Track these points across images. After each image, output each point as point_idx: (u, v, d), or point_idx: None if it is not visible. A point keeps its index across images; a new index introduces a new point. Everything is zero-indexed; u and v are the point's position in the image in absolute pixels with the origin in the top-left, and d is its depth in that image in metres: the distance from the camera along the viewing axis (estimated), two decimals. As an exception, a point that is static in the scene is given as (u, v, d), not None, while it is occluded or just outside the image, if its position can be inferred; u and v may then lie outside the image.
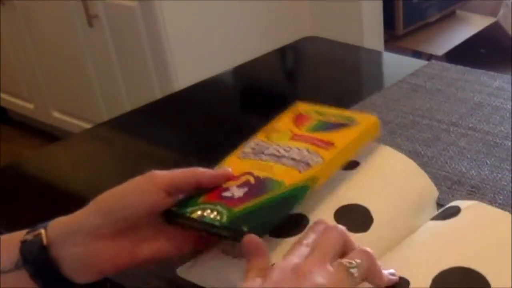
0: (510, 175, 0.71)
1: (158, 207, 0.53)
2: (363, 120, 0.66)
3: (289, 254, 0.48)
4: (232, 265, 0.55)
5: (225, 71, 1.11)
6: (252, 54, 1.12)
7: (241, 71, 1.11)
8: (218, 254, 0.57)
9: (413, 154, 0.76)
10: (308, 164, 0.59)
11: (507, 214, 0.58)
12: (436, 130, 0.82)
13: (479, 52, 2.68)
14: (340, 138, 0.62)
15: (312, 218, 0.58)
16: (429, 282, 0.50)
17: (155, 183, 0.53)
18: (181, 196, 0.56)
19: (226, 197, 0.55)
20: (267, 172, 0.58)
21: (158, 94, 1.87)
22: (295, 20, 2.15)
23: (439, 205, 0.65)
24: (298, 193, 0.56)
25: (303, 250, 0.48)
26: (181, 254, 0.57)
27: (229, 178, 0.57)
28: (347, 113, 0.68)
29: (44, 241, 0.52)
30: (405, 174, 0.64)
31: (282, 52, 1.18)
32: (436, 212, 0.62)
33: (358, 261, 0.46)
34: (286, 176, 0.57)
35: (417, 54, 2.49)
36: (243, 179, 0.57)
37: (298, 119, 0.67)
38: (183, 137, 0.91)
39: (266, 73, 1.10)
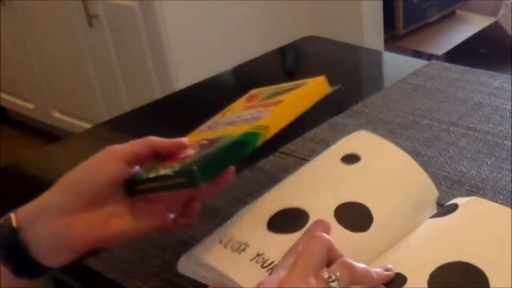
0: (510, 175, 0.71)
1: (119, 176, 0.55)
2: (311, 80, 0.68)
3: (278, 265, 0.50)
4: (229, 258, 0.55)
5: (225, 71, 1.11)
6: (252, 54, 1.12)
7: (241, 71, 1.11)
8: (215, 245, 0.57)
9: (413, 154, 0.76)
10: (258, 118, 0.60)
11: (504, 208, 0.58)
12: (436, 130, 0.82)
13: (479, 52, 2.68)
14: (288, 96, 0.65)
15: (312, 214, 0.58)
16: (426, 277, 0.50)
17: (114, 154, 0.55)
18: (140, 168, 0.57)
19: (181, 157, 0.57)
20: (221, 133, 0.60)
21: (158, 94, 1.87)
22: (295, 20, 2.15)
23: (439, 205, 0.65)
24: (249, 138, 0.57)
25: (290, 260, 0.49)
26: (150, 231, 0.58)
27: (184, 146, 0.59)
28: (297, 81, 0.69)
29: (14, 223, 0.52)
30: (406, 172, 0.65)
31: (282, 52, 1.18)
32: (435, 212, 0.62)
33: (338, 274, 0.47)
34: (238, 130, 0.59)
35: (417, 54, 2.49)
36: (198, 143, 0.59)
37: (250, 98, 0.70)
38: (183, 137, 0.91)
39: (266, 73, 1.10)
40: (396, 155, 0.66)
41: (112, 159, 0.55)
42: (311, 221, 0.57)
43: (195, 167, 0.52)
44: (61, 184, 0.54)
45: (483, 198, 0.67)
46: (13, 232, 0.52)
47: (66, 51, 2.15)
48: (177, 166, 0.55)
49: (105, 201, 0.55)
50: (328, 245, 0.49)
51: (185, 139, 0.60)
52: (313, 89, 0.66)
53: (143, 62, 1.92)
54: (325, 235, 0.50)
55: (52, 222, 0.52)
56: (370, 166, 0.64)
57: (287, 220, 0.57)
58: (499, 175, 0.71)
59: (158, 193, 0.56)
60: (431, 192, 0.65)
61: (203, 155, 0.55)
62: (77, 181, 0.54)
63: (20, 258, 0.52)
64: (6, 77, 2.45)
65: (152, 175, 0.55)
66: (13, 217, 0.53)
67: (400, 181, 0.63)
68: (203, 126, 0.66)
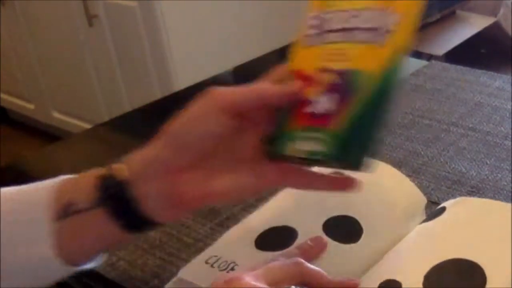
0: (510, 175, 0.71)
1: (222, 131, 0.50)
2: None
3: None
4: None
5: (225, 71, 1.11)
6: (252, 54, 1.12)
7: (241, 71, 1.11)
8: (202, 265, 0.56)
9: (413, 154, 0.76)
10: (387, 31, 0.47)
11: (488, 201, 0.58)
12: (436, 130, 0.82)
13: (479, 52, 2.68)
14: None
15: (301, 231, 0.58)
16: (421, 279, 0.50)
17: (215, 105, 0.50)
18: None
19: (318, 116, 0.48)
20: (343, 61, 0.49)
21: (158, 94, 1.87)
22: (295, 20, 2.15)
23: (439, 204, 0.65)
24: (391, 79, 0.46)
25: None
26: (254, 192, 0.53)
27: (298, 97, 0.50)
28: None
29: (125, 174, 0.50)
30: (392, 183, 0.64)
31: (282, 52, 1.18)
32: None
33: None
34: (368, 60, 0.47)
35: (417, 54, 2.49)
36: (323, 81, 0.49)
37: None
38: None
39: (266, 73, 1.10)
40: (380, 168, 0.66)
41: (215, 111, 0.49)
42: (299, 237, 0.57)
43: (355, 156, 0.45)
44: (164, 136, 0.51)
45: (483, 198, 0.67)
46: (124, 185, 0.49)
47: (66, 51, 2.15)
48: (324, 139, 0.47)
49: (208, 157, 0.50)
50: (298, 268, 0.48)
51: (299, 85, 0.51)
52: None
53: (143, 62, 1.92)
54: (299, 259, 0.49)
55: (157, 180, 0.49)
56: None
57: (275, 238, 0.57)
58: (499, 175, 0.71)
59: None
60: (419, 200, 0.64)
61: (352, 126, 0.46)
62: (179, 136, 0.51)
63: (131, 213, 0.49)
64: (6, 77, 2.45)
65: (297, 152, 0.48)
66: (123, 168, 0.50)
67: (386, 191, 0.63)
68: (308, 27, 0.55)
